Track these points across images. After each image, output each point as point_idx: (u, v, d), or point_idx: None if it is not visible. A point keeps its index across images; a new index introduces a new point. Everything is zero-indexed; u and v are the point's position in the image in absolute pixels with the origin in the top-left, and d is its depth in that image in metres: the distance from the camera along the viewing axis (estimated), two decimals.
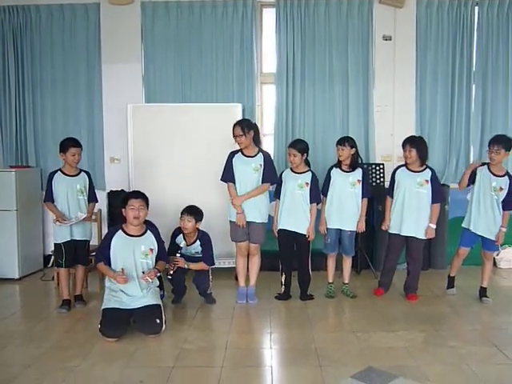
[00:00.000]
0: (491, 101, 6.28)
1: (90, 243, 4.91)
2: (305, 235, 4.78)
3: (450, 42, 6.23)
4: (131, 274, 4.06)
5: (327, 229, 4.88)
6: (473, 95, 6.31)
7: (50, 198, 4.66)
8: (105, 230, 5.75)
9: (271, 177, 4.71)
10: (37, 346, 3.77)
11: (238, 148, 4.74)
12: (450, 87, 6.26)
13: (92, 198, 4.86)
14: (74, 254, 4.69)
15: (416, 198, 4.73)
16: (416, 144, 4.72)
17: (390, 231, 4.86)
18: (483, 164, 4.80)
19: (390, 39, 6.21)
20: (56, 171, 4.72)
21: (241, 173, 4.66)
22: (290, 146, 4.81)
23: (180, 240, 4.67)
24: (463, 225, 4.80)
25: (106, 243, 4.15)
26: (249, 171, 4.65)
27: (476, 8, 6.23)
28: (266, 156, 4.74)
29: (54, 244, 4.71)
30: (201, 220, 4.70)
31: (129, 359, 3.54)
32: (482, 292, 4.83)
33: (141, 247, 4.14)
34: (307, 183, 4.76)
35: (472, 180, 4.75)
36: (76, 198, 4.68)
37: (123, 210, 4.15)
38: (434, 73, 6.26)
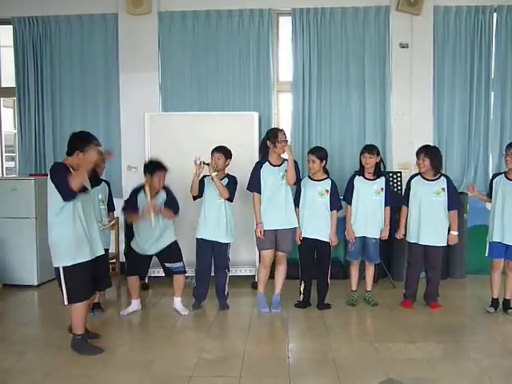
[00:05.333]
0: (510, 108, 6.21)
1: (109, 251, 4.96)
2: (327, 242, 4.77)
3: (467, 49, 6.19)
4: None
5: None
6: (491, 102, 6.25)
7: None
8: (122, 238, 5.82)
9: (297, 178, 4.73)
10: (56, 354, 3.80)
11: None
12: (468, 94, 6.21)
13: (111, 207, 4.94)
14: None
15: (432, 206, 4.71)
16: (430, 153, 4.72)
17: (410, 240, 4.82)
18: (500, 173, 4.75)
19: (407, 47, 6.19)
20: None
21: (269, 182, 4.67)
22: (309, 153, 4.83)
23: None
24: (491, 239, 4.64)
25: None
26: (277, 180, 4.66)
27: (494, 14, 6.18)
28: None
29: None
30: (230, 157, 4.82)
31: (147, 368, 3.55)
32: (506, 304, 4.70)
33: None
34: (327, 190, 4.76)
35: (490, 193, 4.73)
36: (98, 208, 4.71)
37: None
38: (451, 80, 6.22)
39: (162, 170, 4.65)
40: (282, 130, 4.79)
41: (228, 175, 4.87)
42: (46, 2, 6.35)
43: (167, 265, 4.78)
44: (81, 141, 3.78)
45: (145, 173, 4.68)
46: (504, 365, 3.58)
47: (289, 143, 4.76)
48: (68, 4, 6.32)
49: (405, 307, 4.83)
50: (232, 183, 4.82)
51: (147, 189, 4.56)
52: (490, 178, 4.88)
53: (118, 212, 5.70)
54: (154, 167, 4.64)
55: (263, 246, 4.74)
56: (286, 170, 4.65)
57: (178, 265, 4.76)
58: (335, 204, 4.79)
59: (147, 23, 6.28)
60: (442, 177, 4.79)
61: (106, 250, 4.84)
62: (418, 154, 4.78)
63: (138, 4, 6.19)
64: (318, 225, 4.76)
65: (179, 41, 6.30)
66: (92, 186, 4.04)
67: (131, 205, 4.68)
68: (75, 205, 3.73)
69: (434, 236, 4.72)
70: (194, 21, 6.27)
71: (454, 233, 4.73)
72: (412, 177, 4.91)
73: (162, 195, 4.73)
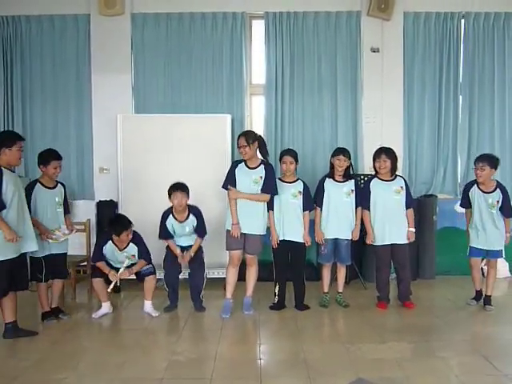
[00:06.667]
0: (478, 111, 6.37)
1: (69, 253, 4.82)
2: (302, 243, 4.80)
3: (436, 54, 6.33)
4: None
5: (324, 239, 4.91)
6: (460, 106, 6.40)
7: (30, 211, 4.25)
8: (93, 240, 5.74)
9: (271, 188, 4.66)
10: (24, 358, 3.72)
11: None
12: (438, 98, 6.34)
13: (66, 210, 4.72)
14: (53, 267, 4.53)
15: (395, 205, 4.86)
16: (390, 154, 4.85)
17: (376, 243, 4.90)
18: (471, 183, 4.93)
19: (378, 51, 6.28)
20: (35, 182, 4.49)
21: (241, 183, 4.65)
22: (286, 155, 4.82)
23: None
24: (470, 244, 4.90)
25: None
26: (248, 183, 4.64)
27: (462, 21, 6.33)
28: (268, 168, 4.70)
29: (32, 258, 4.41)
30: (188, 195, 4.79)
31: (117, 371, 3.51)
32: (487, 300, 4.88)
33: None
34: (300, 192, 4.81)
35: (468, 202, 4.91)
36: (55, 211, 4.54)
37: None
38: (421, 84, 6.34)
39: (128, 228, 4.61)
40: (243, 134, 4.69)
41: (190, 210, 4.84)
42: (16, 1, 6.24)
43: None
44: (5, 138, 3.99)
45: (111, 232, 4.62)
46: (470, 363, 3.65)
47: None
48: (39, 4, 6.22)
49: (381, 309, 4.91)
50: (200, 219, 4.85)
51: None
52: (463, 188, 5.08)
53: (91, 215, 5.69)
54: (118, 228, 4.57)
55: (231, 247, 4.73)
56: (260, 177, 4.63)
57: (146, 267, 4.77)
58: (308, 205, 4.84)
59: (120, 25, 6.22)
60: (398, 177, 4.95)
61: (64, 254, 4.70)
62: (377, 155, 4.88)
63: (110, 5, 6.14)
64: (292, 226, 4.79)
65: (152, 43, 6.27)
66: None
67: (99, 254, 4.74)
68: (13, 202, 3.87)
69: (398, 233, 4.86)
70: (168, 23, 6.24)
71: (412, 229, 4.89)
72: (369, 180, 4.98)
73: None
